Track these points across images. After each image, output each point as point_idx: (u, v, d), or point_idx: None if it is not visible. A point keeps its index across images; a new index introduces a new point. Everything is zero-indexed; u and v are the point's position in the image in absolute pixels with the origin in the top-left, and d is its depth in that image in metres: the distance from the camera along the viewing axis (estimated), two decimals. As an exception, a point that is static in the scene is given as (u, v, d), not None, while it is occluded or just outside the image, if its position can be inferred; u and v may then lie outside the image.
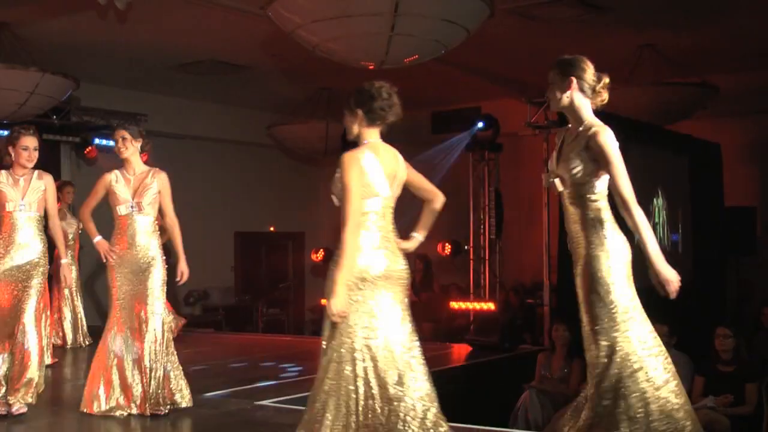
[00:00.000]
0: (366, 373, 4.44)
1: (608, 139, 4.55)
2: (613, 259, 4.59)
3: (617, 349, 4.57)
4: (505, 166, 13.51)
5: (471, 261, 13.26)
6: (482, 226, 13.06)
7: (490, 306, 12.46)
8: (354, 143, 4.75)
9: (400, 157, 4.88)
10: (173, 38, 11.97)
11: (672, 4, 10.76)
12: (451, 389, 8.99)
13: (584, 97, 4.71)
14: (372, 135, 4.76)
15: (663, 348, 4.65)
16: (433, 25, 8.28)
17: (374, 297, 4.58)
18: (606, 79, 4.70)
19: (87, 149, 13.62)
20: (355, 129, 4.78)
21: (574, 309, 9.97)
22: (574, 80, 4.72)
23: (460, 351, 11.17)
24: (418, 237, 5.04)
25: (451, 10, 8.14)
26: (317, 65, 10.58)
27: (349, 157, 4.59)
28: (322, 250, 14.96)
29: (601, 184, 4.65)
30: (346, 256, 4.50)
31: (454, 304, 13.09)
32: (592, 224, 4.66)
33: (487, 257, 13.04)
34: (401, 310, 4.62)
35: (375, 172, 4.69)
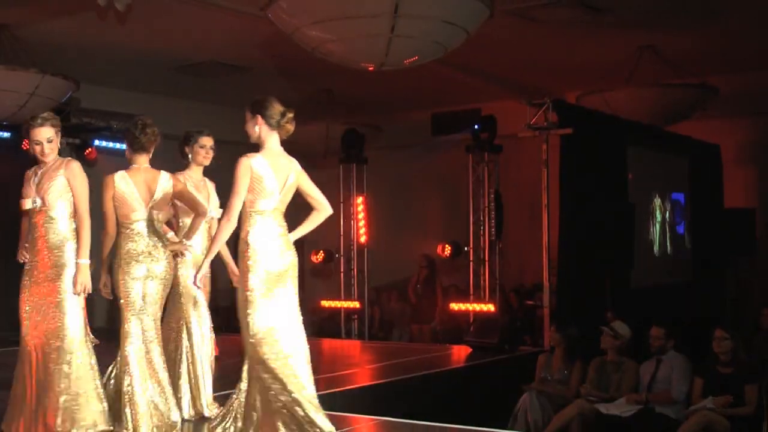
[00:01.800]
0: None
1: (237, 166, 5.50)
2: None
3: None
4: (505, 167, 13.49)
5: (471, 262, 13.25)
6: (482, 228, 13.04)
7: (490, 307, 12.46)
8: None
9: (161, 180, 5.92)
10: (173, 39, 11.98)
11: (671, 6, 10.77)
12: (451, 390, 9.02)
13: (271, 131, 5.73)
14: (138, 160, 5.94)
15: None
16: (433, 26, 8.28)
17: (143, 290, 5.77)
18: (290, 114, 5.80)
19: (87, 151, 13.60)
20: (128, 155, 5.98)
21: (573, 311, 10.02)
22: (260, 117, 5.75)
23: (460, 352, 11.19)
24: (186, 243, 6.17)
25: (450, 12, 8.14)
26: (318, 66, 10.59)
27: (106, 180, 5.79)
28: (322, 251, 14.92)
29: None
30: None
31: (454, 306, 13.08)
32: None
33: (486, 258, 13.03)
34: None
35: (130, 194, 5.79)
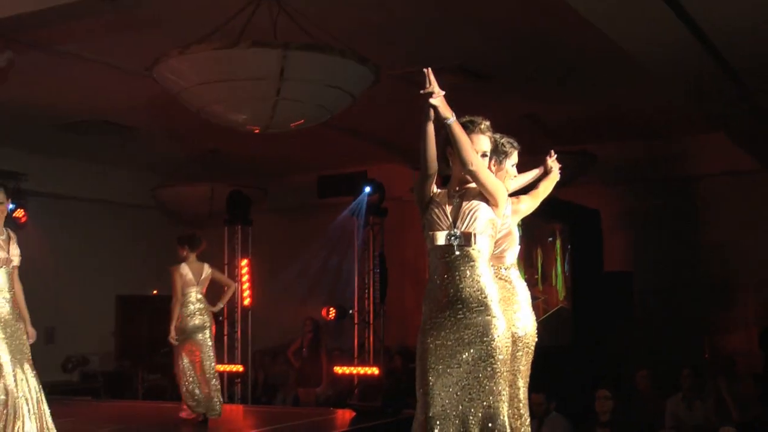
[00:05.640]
0: None
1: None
2: None
3: None
4: (390, 230, 13.59)
5: (356, 325, 13.25)
6: (367, 291, 13.09)
7: (374, 370, 12.45)
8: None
9: None
10: (57, 97, 11.78)
11: (551, 76, 11.05)
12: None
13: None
14: None
15: None
16: (319, 90, 8.35)
17: None
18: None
19: (-36, 209, 13.26)
20: None
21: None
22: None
23: (344, 416, 11.12)
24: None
25: (336, 76, 8.22)
26: (204, 126, 10.54)
27: None
28: (205, 314, 14.73)
29: None
30: None
31: (338, 369, 13.03)
32: None
33: (371, 321, 13.06)
34: None
35: None
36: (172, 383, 16.69)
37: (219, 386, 9.66)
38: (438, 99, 4.50)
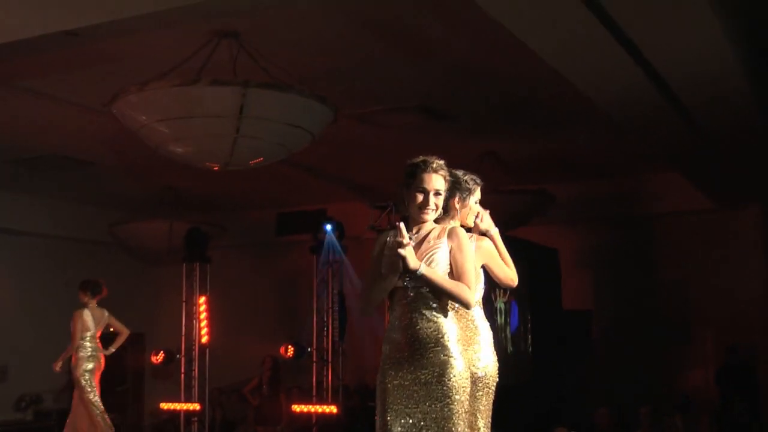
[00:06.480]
0: None
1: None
2: None
3: None
4: (348, 267, 13.55)
5: (314, 363, 13.17)
6: (326, 329, 13.02)
7: (332, 409, 12.36)
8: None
9: None
10: (13, 132, 11.67)
11: (510, 115, 11.11)
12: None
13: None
14: None
15: None
16: (278, 128, 8.33)
17: None
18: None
19: None
20: None
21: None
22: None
23: (302, 455, 11.06)
24: None
25: (295, 115, 8.21)
26: (162, 163, 10.48)
27: None
28: (162, 352, 14.54)
29: None
30: None
31: (297, 407, 12.93)
32: None
33: (330, 359, 12.98)
34: None
35: None
36: (126, 421, 16.57)
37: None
38: (407, 249, 4.44)
